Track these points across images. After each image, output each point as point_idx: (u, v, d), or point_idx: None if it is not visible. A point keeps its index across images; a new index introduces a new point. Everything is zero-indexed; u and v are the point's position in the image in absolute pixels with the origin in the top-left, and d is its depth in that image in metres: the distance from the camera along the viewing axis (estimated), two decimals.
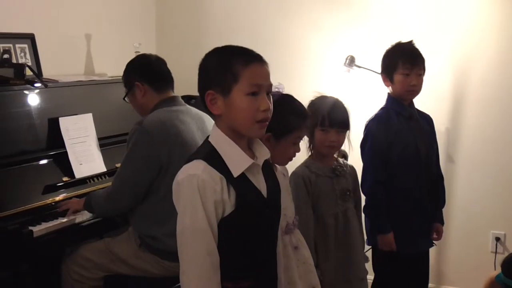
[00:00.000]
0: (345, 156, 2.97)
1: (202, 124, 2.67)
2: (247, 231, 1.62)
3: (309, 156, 2.45)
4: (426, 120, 2.87)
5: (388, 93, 2.80)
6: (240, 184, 1.59)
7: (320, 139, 2.38)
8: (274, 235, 1.75)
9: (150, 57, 2.81)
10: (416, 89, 2.73)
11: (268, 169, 1.73)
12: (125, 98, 2.77)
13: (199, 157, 1.59)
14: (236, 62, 1.56)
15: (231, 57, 1.58)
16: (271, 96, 1.62)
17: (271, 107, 1.61)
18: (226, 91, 1.57)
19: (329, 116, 2.35)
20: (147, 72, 2.69)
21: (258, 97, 1.57)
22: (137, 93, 2.69)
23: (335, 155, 2.49)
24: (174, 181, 1.60)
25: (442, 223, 2.90)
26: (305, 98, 2.36)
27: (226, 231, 1.58)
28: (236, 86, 1.56)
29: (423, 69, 2.73)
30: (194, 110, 2.73)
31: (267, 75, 1.61)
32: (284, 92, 2.03)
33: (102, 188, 2.86)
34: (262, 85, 1.58)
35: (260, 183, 1.66)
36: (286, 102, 2.02)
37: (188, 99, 3.58)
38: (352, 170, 2.55)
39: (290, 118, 1.99)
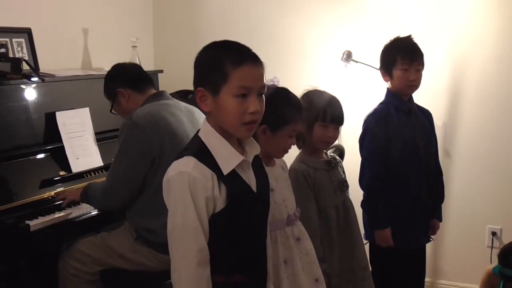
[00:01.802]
0: (341, 151, 2.99)
1: (191, 116, 2.68)
2: (238, 226, 1.62)
3: (301, 152, 2.45)
4: (425, 115, 2.86)
5: (388, 88, 2.80)
6: (231, 180, 1.58)
7: (319, 134, 2.38)
8: (264, 229, 1.75)
9: (124, 64, 2.88)
10: (415, 84, 2.72)
11: (257, 164, 1.73)
12: (112, 110, 2.80)
13: (189, 153, 1.58)
14: (227, 62, 1.54)
15: (223, 56, 1.55)
16: (263, 97, 1.60)
17: (262, 109, 1.59)
18: (215, 90, 1.55)
19: (331, 112, 2.36)
20: (126, 77, 2.74)
21: (247, 99, 1.55)
22: (121, 100, 2.72)
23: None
24: (164, 178, 1.59)
25: (440, 219, 2.91)
26: (299, 93, 2.36)
27: (218, 226, 1.58)
28: (225, 87, 1.54)
29: (422, 64, 2.72)
30: (183, 103, 2.74)
31: (259, 77, 1.58)
32: (279, 85, 2.03)
33: (99, 182, 2.86)
34: (252, 88, 1.55)
35: (250, 178, 1.66)
36: (281, 94, 2.03)
37: (185, 93, 3.59)
38: (340, 162, 2.58)
39: (285, 111, 2.01)
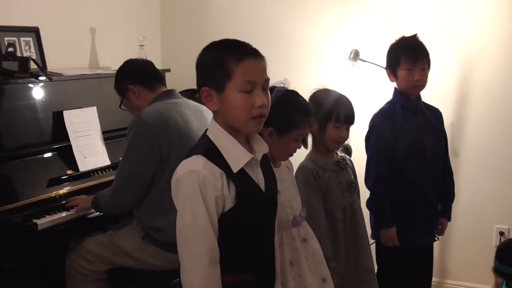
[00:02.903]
0: (348, 149, 2.98)
1: (200, 115, 2.68)
2: (247, 225, 1.62)
3: (312, 150, 2.44)
4: (434, 114, 2.83)
5: (395, 88, 2.78)
6: (240, 179, 1.58)
7: (332, 135, 2.38)
8: (272, 228, 1.75)
9: (136, 60, 2.89)
10: (420, 84, 2.70)
11: (265, 163, 1.72)
12: (121, 106, 2.80)
13: (198, 152, 1.58)
14: (229, 58, 1.54)
15: (224, 53, 1.56)
16: (268, 91, 1.61)
17: (268, 102, 1.59)
18: (220, 88, 1.55)
19: (343, 112, 2.36)
20: (137, 73, 2.73)
21: (252, 94, 1.55)
22: (131, 96, 2.72)
23: None
24: (173, 177, 1.59)
25: (449, 219, 2.89)
26: (308, 93, 2.35)
27: (227, 226, 1.58)
28: (230, 83, 1.54)
29: (427, 63, 2.70)
30: (192, 102, 2.74)
31: (262, 70, 1.58)
32: (289, 87, 2.02)
33: (106, 181, 2.87)
34: (256, 81, 1.56)
35: (258, 177, 1.66)
36: (290, 98, 2.02)
37: (192, 92, 3.58)
38: (351, 162, 2.57)
39: (294, 115, 1.99)
